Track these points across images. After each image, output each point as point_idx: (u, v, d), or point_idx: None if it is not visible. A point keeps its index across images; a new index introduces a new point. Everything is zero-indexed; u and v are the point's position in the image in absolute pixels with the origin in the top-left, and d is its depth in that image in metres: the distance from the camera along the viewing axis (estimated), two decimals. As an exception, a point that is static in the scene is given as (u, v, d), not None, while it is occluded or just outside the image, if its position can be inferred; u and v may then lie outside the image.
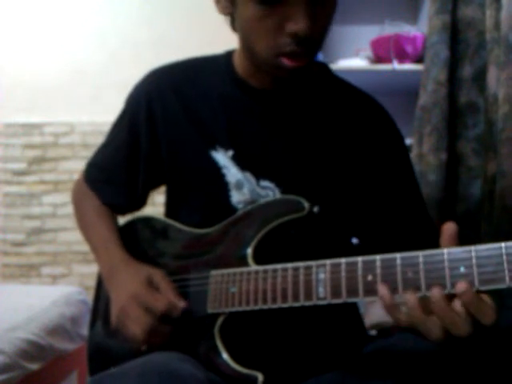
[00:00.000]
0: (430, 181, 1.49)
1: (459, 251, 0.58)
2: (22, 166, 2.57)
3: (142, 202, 0.99)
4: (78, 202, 1.02)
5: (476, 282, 0.56)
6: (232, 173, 0.85)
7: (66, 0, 2.58)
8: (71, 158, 2.56)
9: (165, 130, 0.90)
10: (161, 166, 0.92)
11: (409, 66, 1.94)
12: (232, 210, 0.84)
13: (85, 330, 1.81)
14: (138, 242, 0.92)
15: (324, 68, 0.94)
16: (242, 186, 0.84)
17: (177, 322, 0.77)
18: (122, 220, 0.99)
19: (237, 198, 0.84)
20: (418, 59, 1.92)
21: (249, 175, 0.84)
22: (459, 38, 1.52)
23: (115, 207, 0.97)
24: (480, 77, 1.45)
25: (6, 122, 2.57)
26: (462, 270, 0.57)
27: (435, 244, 0.62)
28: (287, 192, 0.83)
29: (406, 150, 0.93)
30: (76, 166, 2.53)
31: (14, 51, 2.58)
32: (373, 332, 1.72)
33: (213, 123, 0.87)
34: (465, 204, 1.47)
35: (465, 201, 1.48)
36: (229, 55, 0.91)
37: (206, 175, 0.86)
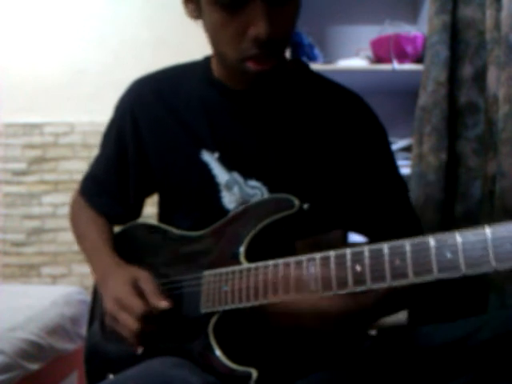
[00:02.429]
0: (429, 181, 1.49)
1: (445, 237, 0.59)
2: (22, 166, 2.57)
3: (137, 211, 1.00)
4: (74, 215, 1.03)
5: (463, 267, 0.57)
6: (221, 174, 0.86)
7: (66, 0, 2.58)
8: (71, 158, 2.57)
9: (152, 137, 0.91)
10: (151, 174, 0.93)
11: (409, 66, 1.94)
12: (224, 210, 0.85)
13: (85, 330, 1.81)
14: (133, 248, 0.93)
15: (300, 65, 0.94)
16: (232, 187, 0.85)
17: (162, 322, 0.78)
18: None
19: (228, 198, 0.85)
20: (418, 59, 1.92)
21: (236, 175, 0.85)
22: (459, 38, 1.52)
23: (111, 217, 0.99)
24: (480, 77, 1.45)
25: (6, 122, 2.56)
26: (449, 255, 0.58)
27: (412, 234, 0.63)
28: (274, 190, 0.84)
29: (387, 142, 0.94)
30: (76, 166, 2.53)
31: (14, 51, 2.58)
32: (372, 332, 1.72)
33: (197, 127, 0.88)
34: (465, 204, 1.47)
35: (465, 201, 1.47)
36: (207, 59, 0.93)
37: (196, 177, 0.87)
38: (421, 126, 1.55)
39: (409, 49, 1.93)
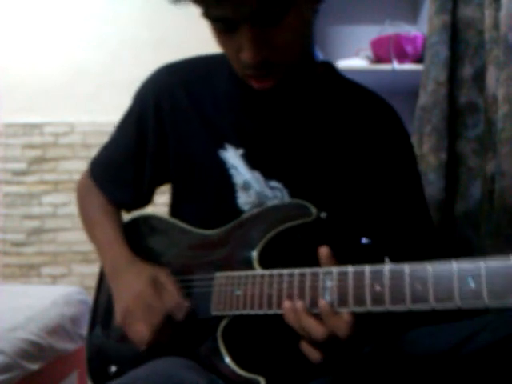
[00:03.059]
0: (430, 181, 1.49)
1: (469, 264, 0.57)
2: (22, 165, 2.57)
3: (147, 199, 0.98)
4: (82, 198, 1.01)
5: (485, 297, 0.55)
6: (240, 173, 0.84)
7: (67, 0, 2.58)
8: (71, 158, 2.57)
9: (173, 127, 0.89)
10: (167, 163, 0.91)
11: (409, 66, 1.94)
12: (238, 211, 0.83)
13: (85, 330, 1.80)
14: (142, 240, 0.92)
15: (329, 68, 0.93)
16: (249, 188, 0.84)
17: (182, 322, 0.77)
18: (127, 217, 0.99)
19: (243, 199, 0.84)
20: (418, 59, 1.92)
21: (258, 175, 0.84)
22: (459, 38, 1.52)
23: (121, 205, 0.97)
24: (480, 77, 1.45)
25: (6, 122, 2.57)
26: (471, 283, 0.56)
27: (432, 249, 0.61)
28: (295, 193, 0.82)
29: (412, 150, 0.92)
30: (76, 166, 2.53)
31: (15, 51, 2.58)
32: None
33: (222, 121, 0.86)
34: (465, 204, 1.47)
35: (465, 201, 1.47)
36: None
37: (213, 175, 0.86)
38: (421, 126, 1.56)
39: (409, 49, 1.93)
